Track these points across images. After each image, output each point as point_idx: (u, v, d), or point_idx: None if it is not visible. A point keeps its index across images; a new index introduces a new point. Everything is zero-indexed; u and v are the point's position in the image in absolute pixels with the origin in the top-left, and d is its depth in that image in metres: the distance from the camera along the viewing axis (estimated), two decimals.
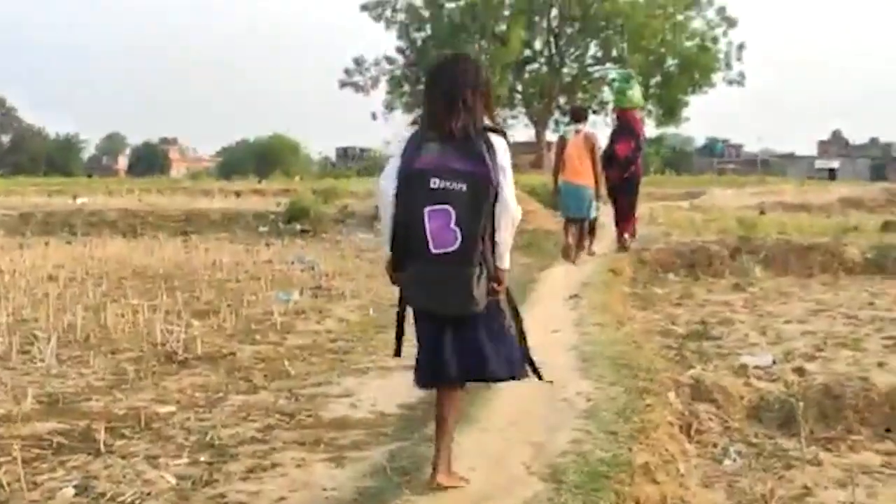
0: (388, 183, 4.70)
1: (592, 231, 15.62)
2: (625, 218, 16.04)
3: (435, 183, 4.57)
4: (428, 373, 4.85)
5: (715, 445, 6.56)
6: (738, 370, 7.92)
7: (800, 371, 7.83)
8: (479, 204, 4.57)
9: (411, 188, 4.61)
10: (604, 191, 14.66)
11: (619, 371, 7.07)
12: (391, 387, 7.54)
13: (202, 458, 5.77)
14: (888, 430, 6.86)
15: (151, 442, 6.16)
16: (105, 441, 6.08)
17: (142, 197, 31.12)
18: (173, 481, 5.35)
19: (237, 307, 11.17)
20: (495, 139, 4.69)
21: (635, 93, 16.45)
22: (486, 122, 4.78)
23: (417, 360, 4.89)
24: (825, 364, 8.16)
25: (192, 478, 5.40)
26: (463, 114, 4.66)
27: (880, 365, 8.00)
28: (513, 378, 4.92)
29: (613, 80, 18.82)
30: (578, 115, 15.41)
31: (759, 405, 7.14)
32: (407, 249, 4.67)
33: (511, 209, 4.67)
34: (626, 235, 15.93)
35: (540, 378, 4.98)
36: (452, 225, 4.55)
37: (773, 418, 6.97)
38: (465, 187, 4.55)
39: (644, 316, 10.93)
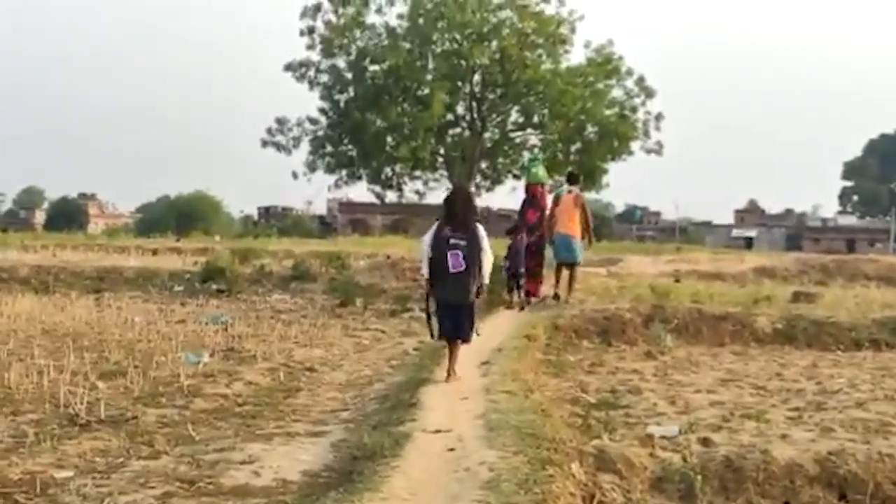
0: (427, 241, 10.16)
1: (572, 277, 17.27)
2: (534, 278, 17.76)
3: (452, 241, 9.93)
4: (445, 331, 10.23)
5: None
6: (644, 440, 7.94)
7: (705, 442, 7.89)
8: (473, 252, 9.92)
9: (441, 243, 9.98)
10: (591, 236, 17.54)
11: (523, 440, 7.07)
12: (296, 453, 7.48)
13: None
14: (787, 503, 6.93)
15: None
16: None
17: (56, 253, 30.69)
18: None
19: (146, 369, 11.01)
20: (479, 226, 10.13)
21: (539, 171, 19.16)
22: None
23: (440, 325, 10.27)
24: (730, 435, 8.22)
25: None
26: (467, 214, 10.19)
27: (783, 437, 8.09)
28: (465, 342, 10.28)
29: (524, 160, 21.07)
30: (572, 180, 18.63)
31: (662, 476, 7.18)
32: (437, 271, 10.01)
33: (489, 255, 10.16)
34: (532, 298, 17.58)
35: (478, 334, 10.61)
36: (461, 260, 9.87)
37: (674, 490, 7.01)
38: (466, 243, 9.91)
39: (555, 383, 10.94)
